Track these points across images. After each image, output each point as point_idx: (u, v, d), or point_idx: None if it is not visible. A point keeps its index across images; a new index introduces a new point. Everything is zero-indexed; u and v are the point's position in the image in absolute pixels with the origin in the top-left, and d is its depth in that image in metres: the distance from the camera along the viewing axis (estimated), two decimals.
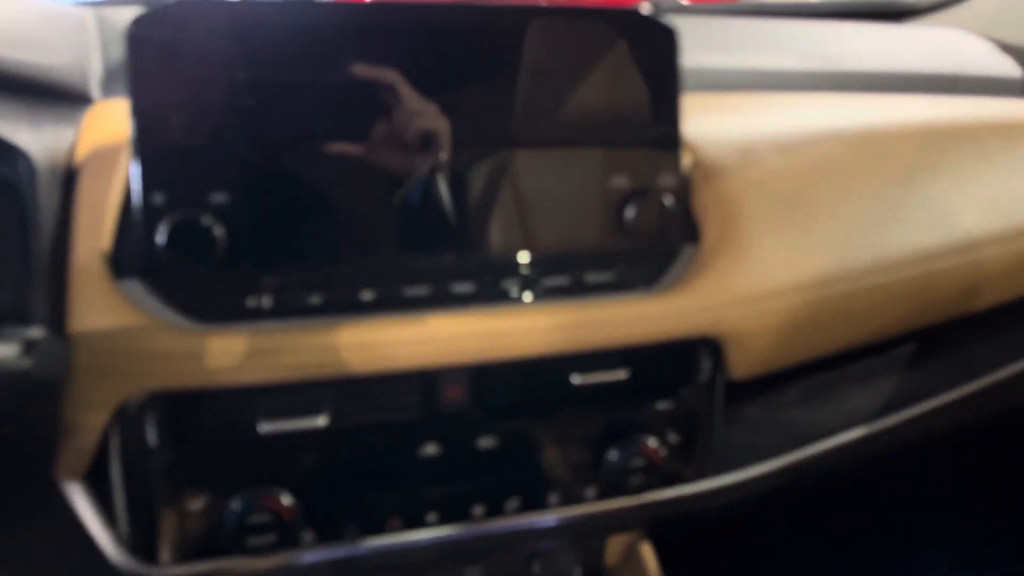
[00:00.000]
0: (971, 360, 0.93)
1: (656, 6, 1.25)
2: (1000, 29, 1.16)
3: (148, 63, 0.53)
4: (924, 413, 0.86)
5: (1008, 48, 1.11)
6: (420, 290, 0.61)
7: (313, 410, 0.61)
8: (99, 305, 0.55)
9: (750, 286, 0.69)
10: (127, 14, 0.83)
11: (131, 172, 0.54)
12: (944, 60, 1.03)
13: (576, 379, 0.67)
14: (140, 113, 0.54)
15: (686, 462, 0.74)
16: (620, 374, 0.68)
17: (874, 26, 1.18)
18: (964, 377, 0.90)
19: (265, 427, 0.60)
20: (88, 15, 0.80)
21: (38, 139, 0.58)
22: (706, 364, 0.71)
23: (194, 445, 0.60)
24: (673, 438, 0.72)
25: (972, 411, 0.92)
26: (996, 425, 0.99)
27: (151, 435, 0.59)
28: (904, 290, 0.77)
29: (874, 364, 0.86)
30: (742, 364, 0.72)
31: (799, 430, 0.82)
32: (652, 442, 0.70)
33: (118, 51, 0.75)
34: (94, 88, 0.67)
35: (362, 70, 0.56)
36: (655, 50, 0.63)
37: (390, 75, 0.57)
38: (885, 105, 0.86)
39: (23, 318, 0.54)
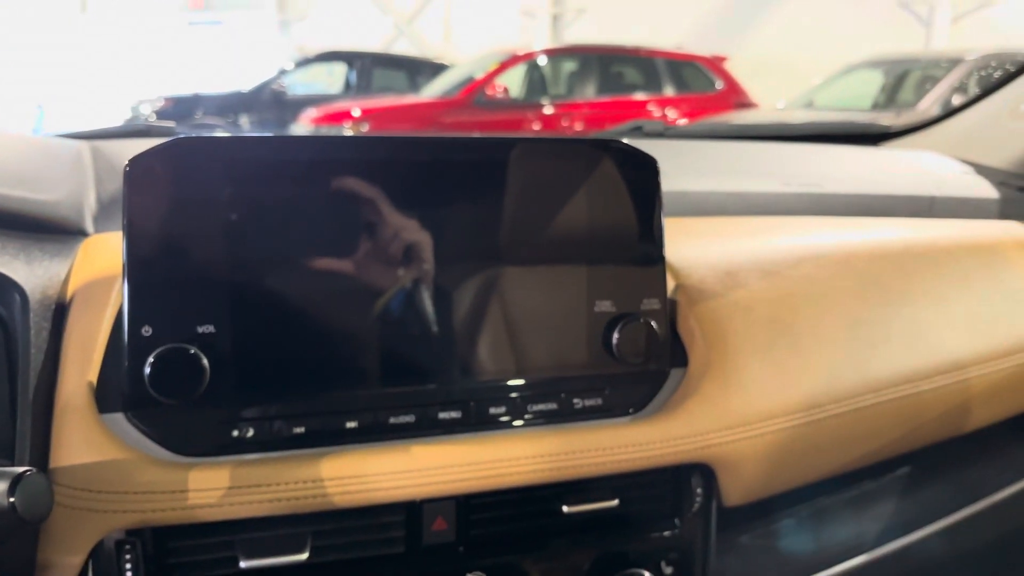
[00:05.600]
0: (972, 482, 0.91)
1: (638, 128, 1.30)
2: (971, 150, 1.20)
3: (142, 200, 0.55)
4: (926, 538, 0.84)
5: (982, 169, 1.15)
6: (406, 417, 0.61)
7: (295, 545, 0.59)
8: (83, 440, 0.54)
9: (739, 410, 0.68)
10: (122, 147, 0.85)
11: (122, 305, 0.55)
12: (921, 182, 1.07)
13: (566, 508, 0.66)
14: (132, 248, 0.55)
15: None
16: (611, 503, 0.67)
17: (852, 149, 1.22)
18: (965, 499, 0.88)
19: (245, 563, 0.58)
20: (85, 149, 0.83)
21: (31, 273, 0.59)
22: (698, 491, 0.70)
23: None
24: (668, 570, 0.70)
25: (976, 535, 0.89)
26: (1002, 552, 0.96)
27: (129, 574, 0.57)
28: (893, 411, 0.77)
29: (871, 488, 0.85)
30: (735, 490, 0.70)
31: (796, 559, 0.80)
32: None
33: (112, 185, 0.77)
34: (88, 222, 0.69)
35: (343, 201, 0.58)
36: (637, 178, 0.65)
37: (374, 206, 0.58)
38: (864, 228, 0.88)
39: (7, 452, 0.53)
